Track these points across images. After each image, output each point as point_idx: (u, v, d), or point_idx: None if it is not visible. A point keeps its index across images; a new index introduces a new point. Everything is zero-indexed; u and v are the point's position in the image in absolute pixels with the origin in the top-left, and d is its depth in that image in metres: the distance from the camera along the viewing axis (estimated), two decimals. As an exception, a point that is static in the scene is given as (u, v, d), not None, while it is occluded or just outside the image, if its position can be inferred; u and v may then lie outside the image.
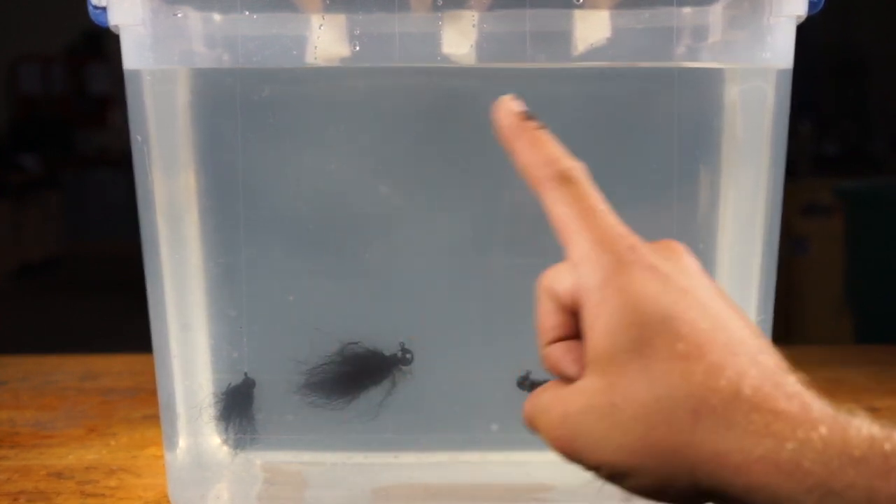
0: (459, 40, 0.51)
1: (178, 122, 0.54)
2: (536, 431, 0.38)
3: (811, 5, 0.51)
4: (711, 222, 0.54)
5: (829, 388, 0.34)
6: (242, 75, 0.53)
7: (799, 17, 0.52)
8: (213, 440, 0.56)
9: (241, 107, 0.53)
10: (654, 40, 0.52)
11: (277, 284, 0.56)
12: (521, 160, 0.40)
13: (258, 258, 0.55)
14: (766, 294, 0.54)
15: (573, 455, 0.36)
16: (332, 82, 0.55)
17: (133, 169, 0.54)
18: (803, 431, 0.32)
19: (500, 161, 0.55)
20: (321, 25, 0.51)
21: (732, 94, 0.53)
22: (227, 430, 0.56)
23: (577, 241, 0.37)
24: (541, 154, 0.39)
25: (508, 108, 0.41)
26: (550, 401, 0.37)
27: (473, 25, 0.51)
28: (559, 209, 0.38)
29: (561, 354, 0.38)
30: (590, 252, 0.37)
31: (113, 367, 0.92)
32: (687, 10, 0.51)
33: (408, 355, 0.55)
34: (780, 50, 0.52)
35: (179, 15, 0.52)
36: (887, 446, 0.31)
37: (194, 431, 0.56)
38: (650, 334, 0.34)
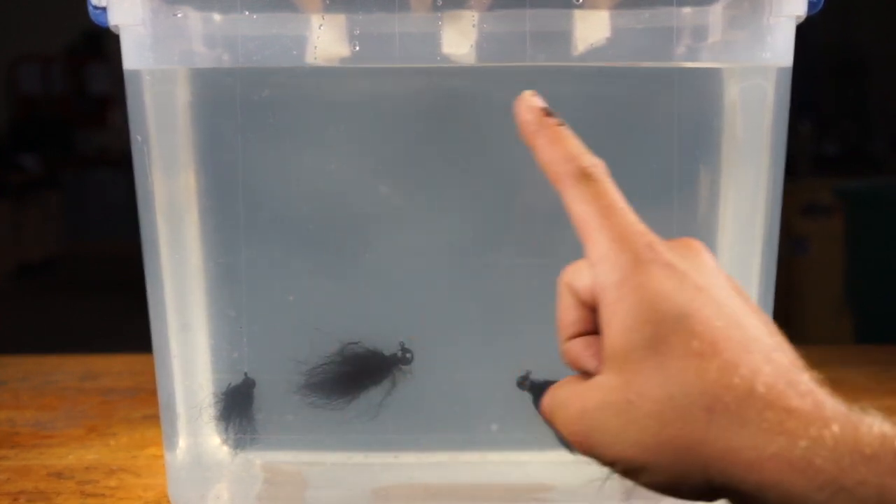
0: (459, 40, 0.51)
1: (177, 122, 0.54)
2: (554, 425, 0.39)
3: (811, 5, 0.51)
4: (711, 222, 0.54)
5: (830, 389, 0.34)
6: (242, 75, 0.53)
7: (799, 17, 0.52)
8: (213, 440, 0.56)
9: (241, 107, 0.53)
10: (654, 40, 0.52)
11: (277, 284, 0.56)
12: (541, 157, 0.40)
13: (258, 258, 0.55)
14: (766, 294, 0.54)
15: (589, 450, 0.37)
16: (332, 82, 0.55)
17: (133, 169, 0.54)
18: (815, 429, 0.32)
19: (500, 161, 0.55)
20: (321, 25, 0.51)
21: (732, 93, 0.53)
22: (227, 430, 0.56)
23: (596, 239, 0.37)
24: (561, 151, 0.40)
25: (528, 104, 0.41)
26: (568, 396, 0.38)
27: (473, 25, 0.51)
28: (579, 207, 0.38)
29: (581, 349, 0.39)
30: (608, 250, 0.37)
31: (113, 367, 0.92)
32: (687, 10, 0.51)
33: (408, 355, 0.55)
34: (779, 50, 0.52)
35: (179, 15, 0.52)
36: None
37: (194, 431, 0.56)
38: (666, 332, 0.35)
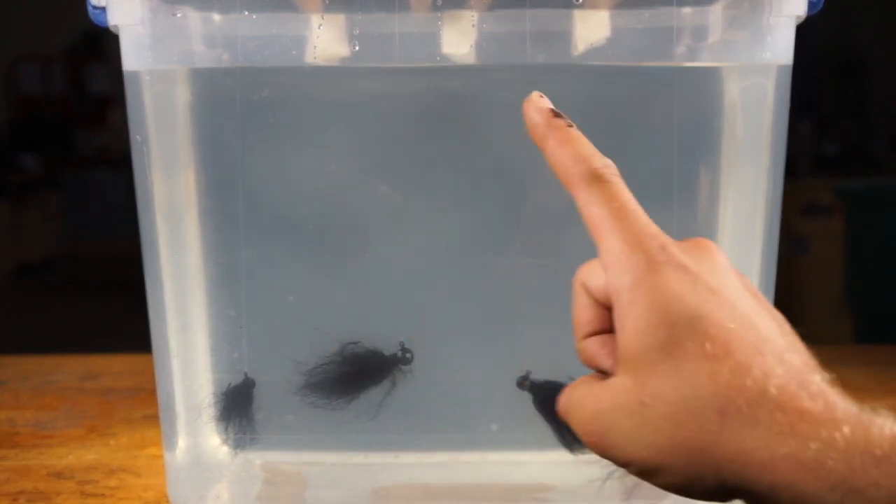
0: (459, 40, 0.51)
1: (177, 122, 0.54)
2: (570, 425, 0.39)
3: (811, 5, 0.51)
4: (711, 222, 0.54)
5: (841, 388, 0.34)
6: (242, 75, 0.53)
7: (798, 17, 0.52)
8: (213, 440, 0.56)
9: (241, 107, 0.53)
10: (654, 40, 0.52)
11: (277, 284, 0.56)
12: (552, 159, 0.41)
13: (258, 258, 0.55)
14: (767, 294, 0.54)
15: (604, 451, 0.37)
16: (332, 82, 0.55)
17: (133, 169, 0.54)
18: (827, 431, 0.32)
19: (500, 161, 0.55)
20: (321, 25, 0.51)
21: (732, 93, 0.53)
22: (226, 430, 0.56)
23: (609, 241, 0.38)
24: (571, 153, 0.40)
25: (537, 105, 0.42)
26: (583, 396, 0.38)
27: (473, 25, 0.51)
28: (591, 209, 0.39)
29: (596, 349, 0.39)
30: (621, 252, 0.37)
31: (113, 367, 0.92)
32: (687, 10, 0.51)
33: (408, 355, 0.55)
34: (779, 50, 0.52)
35: (179, 15, 0.52)
36: None
37: (194, 431, 0.56)
38: (679, 335, 0.35)
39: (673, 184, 0.53)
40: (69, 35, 5.58)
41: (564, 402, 0.39)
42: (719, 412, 0.33)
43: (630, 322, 0.36)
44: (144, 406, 0.78)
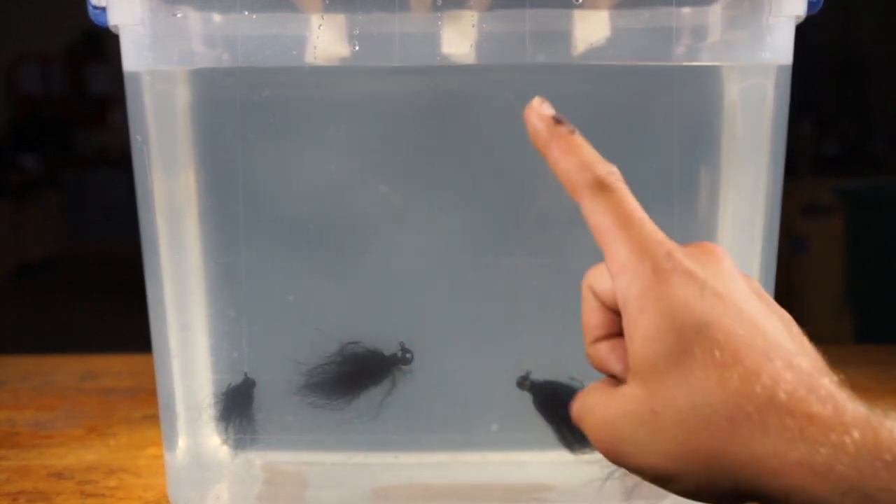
0: (459, 40, 0.51)
1: (177, 123, 0.54)
2: (583, 430, 0.39)
3: (811, 5, 0.51)
4: (711, 222, 0.54)
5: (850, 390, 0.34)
6: (242, 75, 0.53)
7: (798, 16, 0.52)
8: (213, 440, 0.56)
9: (241, 107, 0.53)
10: (653, 40, 0.52)
11: (277, 284, 0.56)
12: (556, 167, 0.40)
13: (258, 258, 0.55)
14: (766, 294, 0.54)
15: (617, 458, 0.37)
16: (332, 82, 0.55)
17: (133, 169, 0.54)
18: (836, 435, 0.32)
19: (500, 161, 0.55)
20: (321, 25, 0.51)
21: (732, 93, 0.53)
22: (227, 430, 0.56)
23: (616, 250, 0.38)
24: (575, 160, 0.40)
25: (539, 112, 0.41)
26: (595, 403, 0.38)
27: (473, 25, 0.51)
28: (597, 217, 0.39)
29: (606, 353, 0.39)
30: (627, 261, 0.37)
31: (113, 367, 0.92)
32: (686, 10, 0.51)
33: (408, 355, 0.55)
34: (779, 50, 0.52)
35: (179, 15, 0.52)
36: None
37: (194, 431, 0.56)
38: (687, 342, 0.35)
39: (673, 184, 0.53)
40: (69, 35, 5.58)
41: (578, 408, 0.39)
42: (729, 419, 0.33)
43: (639, 330, 0.36)
44: (144, 406, 0.78)
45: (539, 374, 0.54)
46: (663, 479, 0.36)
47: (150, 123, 0.53)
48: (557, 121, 0.41)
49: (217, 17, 0.52)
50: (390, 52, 0.51)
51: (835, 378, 0.34)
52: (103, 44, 5.59)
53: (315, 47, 0.52)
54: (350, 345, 0.54)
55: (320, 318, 0.56)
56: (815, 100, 4.47)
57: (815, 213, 3.10)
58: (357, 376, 0.54)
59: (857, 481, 0.31)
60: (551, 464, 0.57)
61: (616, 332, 0.39)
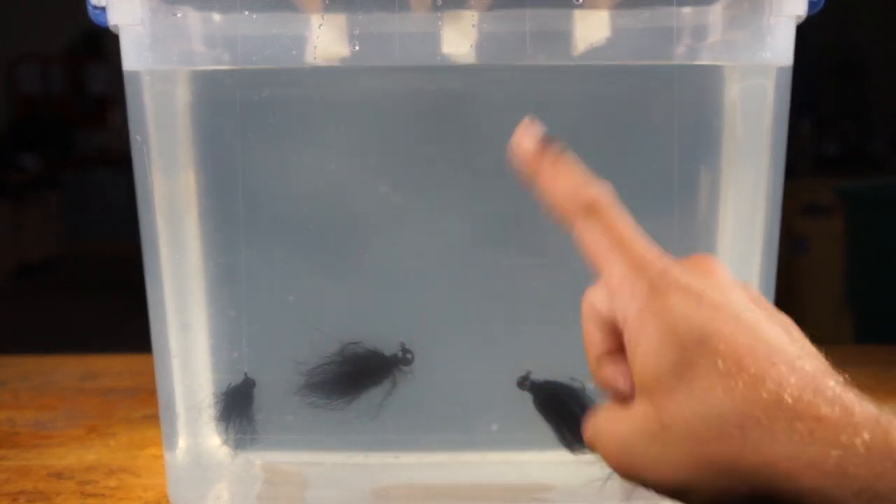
0: (459, 40, 0.51)
1: (177, 123, 0.54)
2: (597, 453, 0.39)
3: (811, 5, 0.51)
4: (711, 222, 0.54)
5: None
6: (242, 75, 0.53)
7: (799, 16, 0.52)
8: (213, 440, 0.56)
9: (241, 107, 0.53)
10: (654, 40, 0.52)
11: (277, 284, 0.56)
12: (546, 193, 0.41)
13: (258, 258, 0.55)
14: (767, 294, 0.54)
15: (633, 476, 0.37)
16: (332, 82, 0.55)
17: (133, 169, 0.54)
18: (846, 437, 0.32)
19: (500, 161, 0.55)
20: (321, 25, 0.51)
21: (732, 93, 0.53)
22: (227, 430, 0.55)
23: (611, 270, 0.38)
24: (565, 185, 0.40)
25: (524, 145, 0.42)
26: (605, 425, 0.38)
27: (473, 25, 0.51)
28: (590, 240, 0.39)
29: (611, 370, 0.39)
30: (623, 280, 0.38)
31: (113, 367, 0.92)
32: (687, 10, 0.51)
33: (408, 355, 0.55)
34: (779, 50, 0.52)
35: (179, 15, 0.52)
36: None
37: (194, 431, 0.56)
38: (690, 355, 0.35)
39: (673, 184, 0.53)
40: (69, 35, 5.58)
41: (590, 432, 0.39)
42: (738, 426, 0.33)
43: (641, 348, 0.36)
44: (144, 406, 0.78)
45: (539, 374, 0.54)
46: (681, 493, 0.36)
47: (150, 123, 0.53)
48: (547, 141, 0.41)
49: (217, 17, 0.52)
50: (390, 52, 0.51)
51: (840, 379, 0.35)
52: (103, 44, 5.58)
53: (315, 47, 0.52)
54: (350, 345, 0.54)
55: (320, 318, 0.56)
56: (815, 100, 4.47)
57: (815, 213, 3.10)
58: (357, 376, 0.54)
59: (869, 482, 0.31)
60: (551, 464, 0.57)
61: (618, 347, 0.39)
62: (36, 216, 5.16)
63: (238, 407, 0.55)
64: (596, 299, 0.39)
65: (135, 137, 0.54)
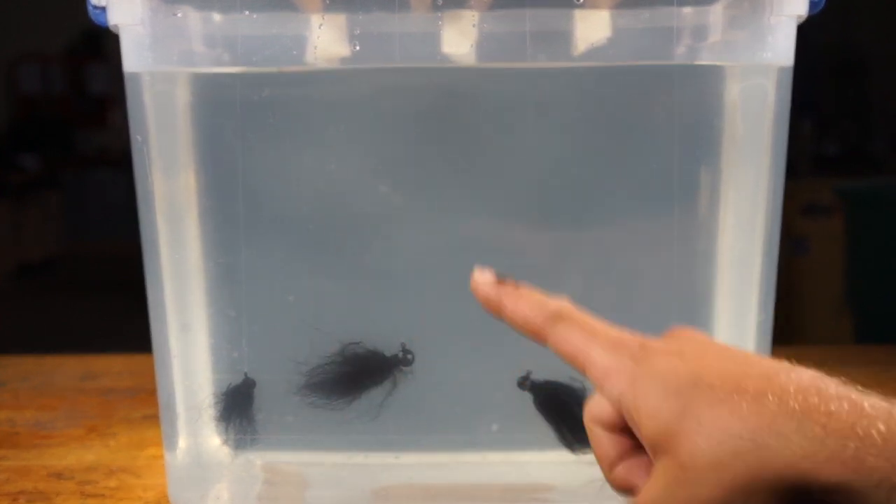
0: (459, 40, 0.51)
1: (177, 123, 0.54)
2: None
3: (812, 5, 0.51)
4: (711, 222, 0.54)
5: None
6: (242, 76, 0.53)
7: (799, 16, 0.52)
8: (213, 440, 0.56)
9: (241, 107, 0.53)
10: (654, 40, 0.52)
11: (277, 284, 0.56)
12: (513, 317, 0.44)
13: (258, 258, 0.55)
14: (767, 294, 0.54)
15: None
16: (332, 82, 0.55)
17: (133, 169, 0.54)
18: (861, 428, 0.33)
19: (500, 160, 0.55)
20: (321, 25, 0.51)
21: (733, 93, 0.53)
22: (227, 430, 0.55)
23: (593, 361, 0.40)
24: (528, 306, 0.43)
25: (482, 279, 0.45)
26: (639, 498, 0.39)
27: (473, 25, 0.51)
28: (566, 343, 0.41)
29: (625, 475, 0.40)
30: (608, 364, 0.40)
31: (113, 367, 0.92)
32: (687, 9, 0.51)
33: (408, 356, 0.55)
34: (780, 50, 0.52)
35: (179, 15, 0.52)
36: None
37: (194, 431, 0.56)
38: (688, 398, 0.36)
39: (673, 184, 0.53)
40: (69, 35, 5.58)
41: None
42: (751, 440, 0.34)
43: (641, 411, 0.37)
44: (144, 406, 0.78)
45: (539, 374, 0.54)
46: None
47: (151, 123, 0.53)
48: (500, 280, 0.44)
49: (217, 17, 0.52)
50: (391, 52, 0.51)
51: (839, 380, 0.35)
52: (103, 44, 5.59)
53: (315, 47, 0.52)
54: (351, 345, 0.54)
55: (320, 318, 0.56)
56: (816, 100, 4.47)
57: (815, 213, 3.09)
58: (357, 377, 0.54)
59: (888, 472, 0.32)
60: (551, 464, 0.57)
61: (629, 453, 0.40)
62: (36, 216, 5.16)
63: (238, 407, 0.55)
64: (594, 410, 0.41)
65: (135, 137, 0.54)
